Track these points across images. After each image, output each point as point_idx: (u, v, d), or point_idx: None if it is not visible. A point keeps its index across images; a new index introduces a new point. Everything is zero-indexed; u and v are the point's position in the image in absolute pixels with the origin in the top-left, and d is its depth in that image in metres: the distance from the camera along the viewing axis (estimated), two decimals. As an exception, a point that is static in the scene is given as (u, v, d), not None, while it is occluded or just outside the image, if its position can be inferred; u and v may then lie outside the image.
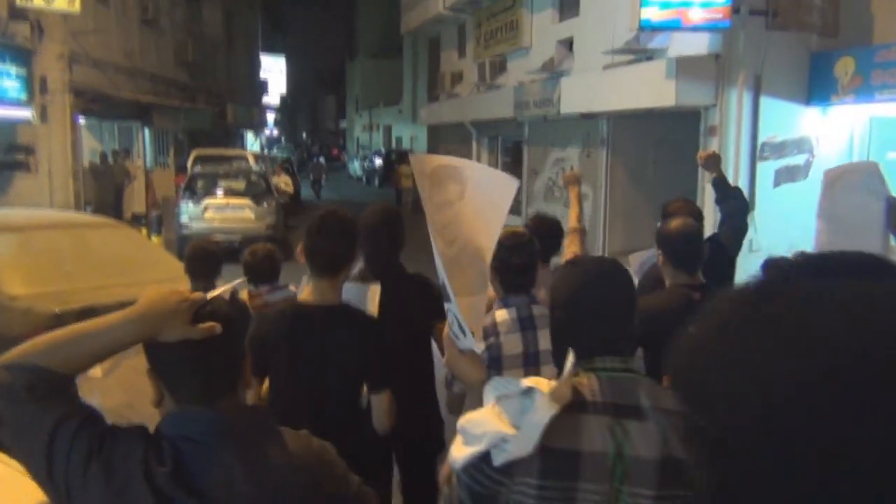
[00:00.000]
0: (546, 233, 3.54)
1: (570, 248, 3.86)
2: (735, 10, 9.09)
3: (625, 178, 12.41)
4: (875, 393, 0.55)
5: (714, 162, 4.18)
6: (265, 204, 14.17)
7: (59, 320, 4.64)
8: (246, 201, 14.12)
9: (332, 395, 2.57)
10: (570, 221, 3.90)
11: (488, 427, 1.47)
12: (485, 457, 1.47)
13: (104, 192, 18.64)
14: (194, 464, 1.43)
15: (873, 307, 0.59)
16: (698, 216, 3.72)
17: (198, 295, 1.55)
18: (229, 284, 2.10)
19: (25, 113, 14.32)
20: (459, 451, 1.53)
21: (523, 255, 2.81)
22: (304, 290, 2.73)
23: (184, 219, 13.79)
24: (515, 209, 16.71)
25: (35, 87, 15.89)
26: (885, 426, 0.55)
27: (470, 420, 1.53)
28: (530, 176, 15.66)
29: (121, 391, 1.95)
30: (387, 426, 2.63)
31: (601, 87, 11.53)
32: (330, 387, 2.56)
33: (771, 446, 0.58)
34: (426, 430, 3.24)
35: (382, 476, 2.87)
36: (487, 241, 1.74)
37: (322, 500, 1.54)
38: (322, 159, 38.76)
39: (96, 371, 1.80)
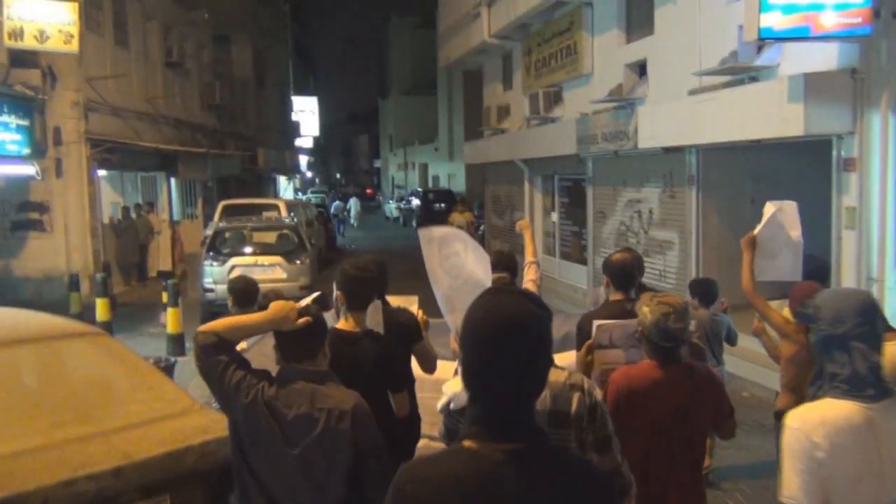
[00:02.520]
0: (506, 265, 4.32)
1: (528, 276, 4.79)
2: (875, 14, 7.26)
3: (718, 222, 10.50)
4: (475, 343, 1.67)
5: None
6: (298, 261, 12.48)
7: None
8: (277, 259, 12.45)
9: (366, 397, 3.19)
10: (527, 256, 4.80)
11: (454, 388, 2.65)
12: (449, 404, 2.68)
13: (127, 249, 17.20)
14: (285, 392, 2.68)
15: (491, 305, 1.70)
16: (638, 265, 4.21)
17: (299, 304, 2.82)
18: (310, 297, 3.00)
19: (28, 170, 12.78)
20: (440, 402, 2.76)
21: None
22: (341, 321, 3.62)
23: (207, 281, 12.12)
24: (580, 258, 14.84)
25: (48, 139, 14.56)
26: (481, 354, 1.66)
27: (447, 385, 2.74)
28: (597, 219, 13.79)
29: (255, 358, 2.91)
30: (405, 413, 3.68)
31: (691, 116, 9.69)
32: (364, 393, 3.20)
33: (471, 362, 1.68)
34: (409, 426, 3.93)
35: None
36: (485, 278, 3.32)
37: (358, 429, 2.70)
38: (351, 200, 38.35)
39: (243, 344, 2.91)
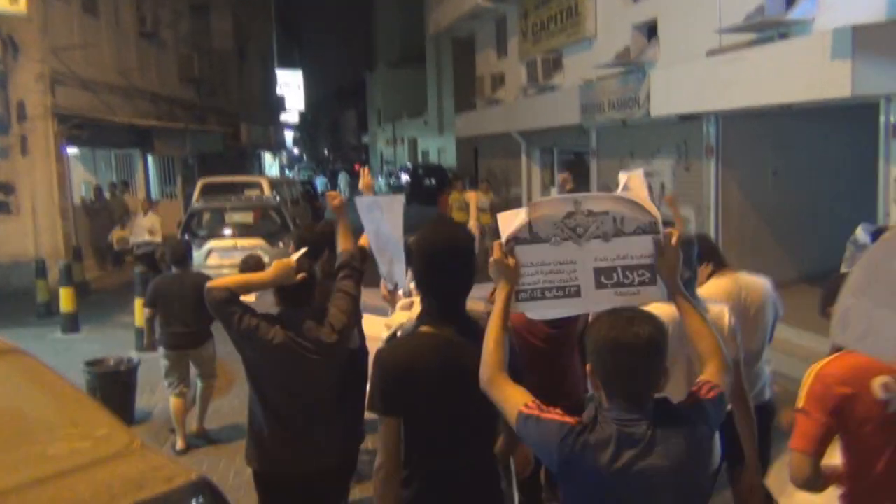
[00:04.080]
0: None
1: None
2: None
3: (739, 196, 9.64)
4: (424, 259, 2.49)
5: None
6: (281, 244, 11.53)
7: None
8: (258, 241, 11.50)
9: None
10: (471, 221, 6.02)
11: (399, 319, 3.48)
12: (395, 334, 3.31)
13: (100, 231, 16.12)
14: (297, 331, 3.28)
15: (434, 232, 2.57)
16: None
17: (293, 260, 3.35)
18: (299, 252, 3.50)
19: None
20: (385, 334, 3.55)
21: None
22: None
23: (183, 266, 11.17)
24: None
25: (12, 115, 13.50)
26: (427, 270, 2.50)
27: (392, 317, 3.71)
28: (602, 193, 12.89)
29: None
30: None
31: (712, 79, 8.78)
32: None
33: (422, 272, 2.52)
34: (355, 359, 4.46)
35: None
36: (397, 233, 3.88)
37: (347, 340, 3.49)
38: (340, 175, 38.05)
39: (250, 297, 3.44)
